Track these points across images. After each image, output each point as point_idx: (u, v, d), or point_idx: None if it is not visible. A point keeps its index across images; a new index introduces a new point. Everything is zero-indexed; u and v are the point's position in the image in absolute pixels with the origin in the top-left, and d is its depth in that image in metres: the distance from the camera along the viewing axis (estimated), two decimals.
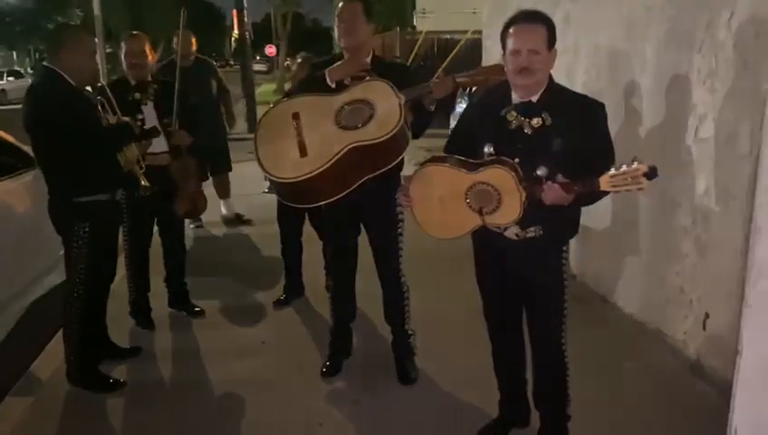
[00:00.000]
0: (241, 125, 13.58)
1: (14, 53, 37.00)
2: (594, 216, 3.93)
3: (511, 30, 2.22)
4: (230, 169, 6.13)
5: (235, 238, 5.76)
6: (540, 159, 2.20)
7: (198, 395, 3.12)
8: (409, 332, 3.21)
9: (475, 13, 14.62)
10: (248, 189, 6.62)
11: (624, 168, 2.01)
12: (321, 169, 2.56)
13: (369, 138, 2.57)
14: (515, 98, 2.29)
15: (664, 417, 2.84)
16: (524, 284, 2.43)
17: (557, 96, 2.28)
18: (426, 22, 16.45)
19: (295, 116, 2.72)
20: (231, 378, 3.26)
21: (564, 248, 2.40)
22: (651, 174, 1.99)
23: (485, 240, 2.41)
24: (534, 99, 2.25)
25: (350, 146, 2.57)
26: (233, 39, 78.48)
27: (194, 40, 5.62)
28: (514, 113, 2.27)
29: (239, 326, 3.89)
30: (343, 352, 3.33)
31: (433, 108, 2.85)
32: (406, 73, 3.02)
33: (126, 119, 3.24)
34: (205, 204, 4.06)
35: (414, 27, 17.57)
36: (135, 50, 3.75)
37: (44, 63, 3.02)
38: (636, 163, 2.00)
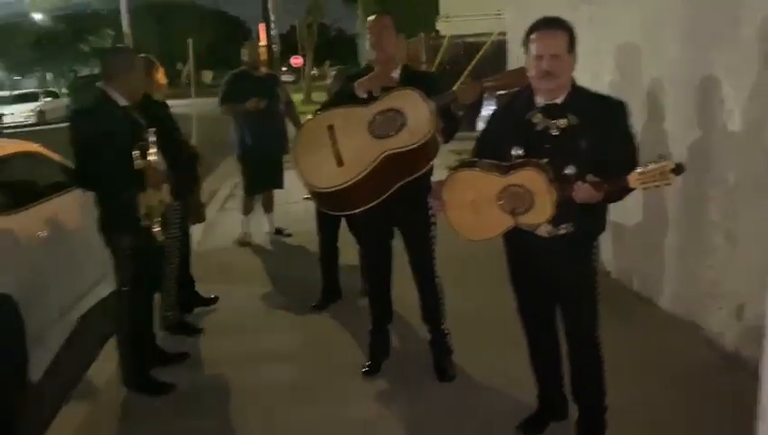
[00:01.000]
0: None
1: (49, 75, 38.16)
2: (626, 212, 3.98)
3: (533, 36, 2.33)
4: (281, 187, 5.97)
5: (275, 246, 5.91)
6: (567, 159, 2.30)
7: (242, 398, 3.25)
8: (446, 331, 3.30)
9: (499, 14, 14.66)
10: (284, 198, 6.76)
11: (652, 165, 2.09)
12: (358, 178, 2.69)
13: (402, 145, 2.68)
14: (539, 101, 2.38)
15: (702, 407, 2.87)
16: (557, 280, 2.50)
17: (580, 97, 2.37)
18: (449, 26, 16.52)
19: (330, 128, 2.86)
20: (273, 380, 3.39)
21: (594, 244, 2.47)
22: (678, 170, 2.07)
23: (517, 240, 2.48)
24: (559, 101, 2.35)
25: (385, 154, 2.69)
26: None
27: (262, 51, 5.86)
28: (540, 116, 2.35)
29: (279, 330, 4.03)
30: (383, 352, 3.43)
31: (461, 113, 2.96)
32: (434, 82, 3.13)
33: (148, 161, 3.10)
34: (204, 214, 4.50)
35: (438, 32, 17.64)
36: (156, 72, 3.97)
37: (98, 85, 3.19)
38: (663, 160, 2.08)
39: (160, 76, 4.02)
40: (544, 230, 2.39)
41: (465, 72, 9.20)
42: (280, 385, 3.33)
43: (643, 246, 4.06)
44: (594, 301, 2.49)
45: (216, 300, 4.43)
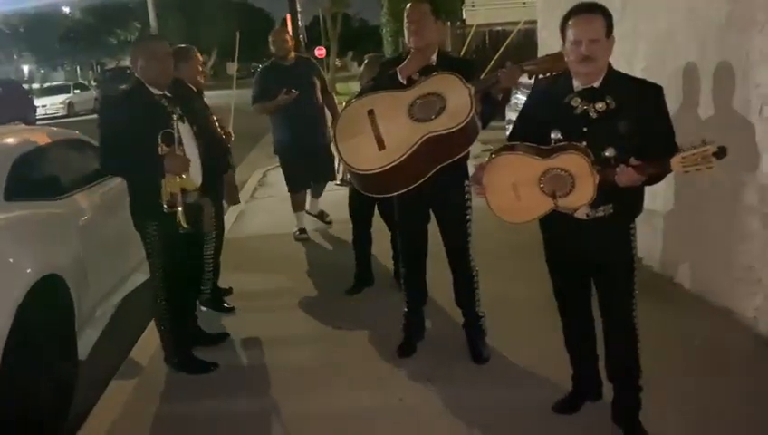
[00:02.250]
0: None
1: (78, 67, 38.75)
2: (659, 198, 4.00)
3: (570, 21, 2.36)
4: (330, 178, 5.53)
5: (309, 234, 5.99)
6: (607, 141, 2.33)
7: (281, 377, 3.35)
8: (480, 313, 3.36)
9: (524, 4, 14.56)
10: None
11: (694, 149, 2.12)
12: (400, 160, 2.76)
13: (442, 128, 2.74)
14: (577, 85, 2.41)
15: (735, 391, 2.90)
16: (594, 261, 2.53)
17: (617, 81, 2.41)
18: (475, 15, 16.44)
19: (370, 112, 2.92)
20: (310, 360, 3.50)
21: (632, 225, 2.51)
22: (721, 153, 2.10)
23: (554, 223, 2.51)
24: (597, 84, 2.38)
25: (426, 137, 2.75)
26: None
27: (289, 38, 5.53)
28: (578, 99, 2.39)
29: (315, 314, 4.12)
30: (417, 334, 3.50)
31: (500, 97, 3.00)
32: (471, 67, 3.17)
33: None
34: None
35: (464, 21, 17.57)
36: (195, 60, 4.06)
37: (135, 74, 3.29)
38: (705, 144, 2.11)
39: (198, 65, 4.11)
40: (583, 212, 2.42)
41: (492, 63, 9.18)
42: (315, 367, 3.42)
43: (676, 232, 4.07)
44: (632, 282, 2.52)
45: (230, 291, 4.45)
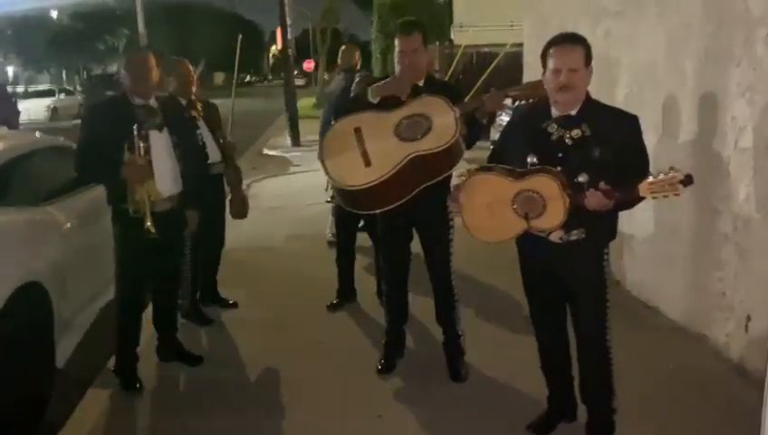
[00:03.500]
0: (285, 140, 14.03)
1: (64, 72, 38.49)
2: (637, 224, 4.08)
3: (551, 50, 2.45)
4: None
5: (293, 248, 6.01)
6: (580, 167, 2.40)
7: (260, 392, 3.37)
8: (460, 332, 3.40)
9: (512, 26, 14.78)
10: (299, 201, 6.88)
11: (662, 175, 2.20)
12: (386, 177, 2.82)
13: (428, 148, 2.81)
14: (555, 112, 2.49)
15: (707, 416, 2.96)
16: (568, 285, 2.59)
17: (594, 110, 2.49)
18: (463, 36, 16.64)
19: (357, 130, 2.97)
20: (291, 375, 3.50)
21: (605, 250, 2.57)
22: (687, 181, 2.18)
23: (530, 246, 2.59)
24: (573, 112, 2.46)
25: (411, 156, 2.81)
26: (270, 55, 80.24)
27: (357, 54, 5.56)
28: (555, 126, 2.46)
29: (297, 328, 4.13)
30: (397, 351, 3.53)
31: (485, 121, 3.07)
32: (455, 92, 3.23)
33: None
34: (247, 209, 4.51)
35: (452, 41, 17.78)
36: (184, 71, 4.08)
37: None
38: (672, 171, 2.19)
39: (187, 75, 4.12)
40: (556, 236, 2.48)
41: (478, 83, 9.32)
42: (295, 382, 3.43)
43: (653, 258, 4.15)
44: (605, 305, 2.58)
45: (235, 305, 4.49)
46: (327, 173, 3.00)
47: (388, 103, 3.04)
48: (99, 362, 3.65)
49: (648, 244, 4.18)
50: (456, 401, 3.15)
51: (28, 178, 3.80)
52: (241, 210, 4.46)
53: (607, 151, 2.37)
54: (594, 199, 2.31)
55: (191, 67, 4.18)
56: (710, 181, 3.40)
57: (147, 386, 3.42)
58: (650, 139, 3.98)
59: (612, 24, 4.50)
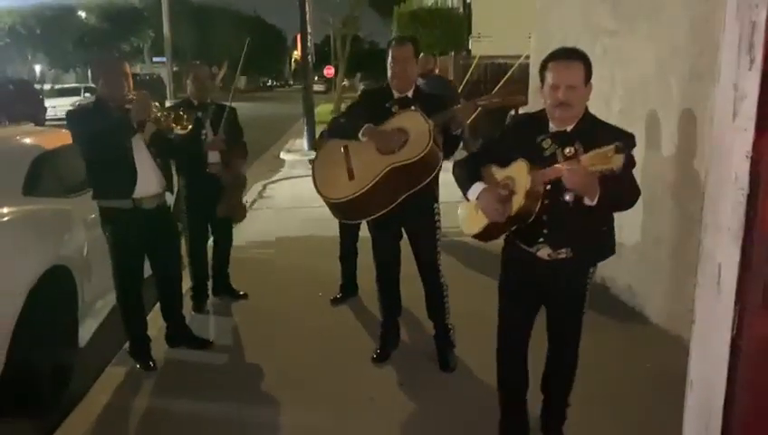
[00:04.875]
0: (302, 144, 14.35)
1: (90, 71, 39.30)
2: (625, 232, 4.30)
3: (550, 65, 2.39)
4: None
5: (299, 245, 6.30)
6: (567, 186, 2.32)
7: (265, 374, 3.64)
8: (449, 326, 3.64)
9: (529, 38, 14.99)
10: (307, 202, 7.14)
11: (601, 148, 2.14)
12: (366, 189, 3.11)
13: (403, 159, 3.09)
14: (552, 127, 2.45)
15: (677, 412, 3.16)
16: (547, 297, 2.63)
17: (590, 126, 2.43)
18: (481, 46, 16.91)
19: (345, 148, 3.30)
20: (296, 360, 3.78)
21: (591, 270, 2.60)
22: (621, 148, 2.08)
23: (516, 255, 2.59)
24: (569, 128, 2.41)
25: (389, 167, 3.09)
26: (293, 60, 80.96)
27: (433, 61, 6.05)
28: (549, 141, 2.42)
29: (302, 319, 4.41)
30: (392, 342, 3.78)
31: (459, 132, 3.30)
32: (440, 100, 3.52)
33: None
34: (243, 214, 4.67)
35: (469, 51, 18.03)
36: (201, 76, 4.38)
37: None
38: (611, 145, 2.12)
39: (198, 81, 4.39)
40: (545, 253, 2.49)
41: (492, 94, 9.51)
42: (297, 367, 3.70)
43: (639, 264, 4.37)
44: (580, 319, 2.64)
45: (245, 296, 4.77)
46: (315, 186, 3.28)
47: (380, 114, 3.28)
48: (118, 342, 3.95)
49: (634, 251, 4.40)
50: (443, 389, 3.40)
51: (56, 172, 4.11)
52: (228, 210, 4.45)
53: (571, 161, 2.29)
54: (577, 175, 2.18)
55: (210, 71, 4.44)
56: (690, 193, 3.63)
57: (160, 366, 3.71)
58: (641, 150, 4.23)
59: (609, 42, 4.73)
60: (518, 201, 2.35)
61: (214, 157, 4.34)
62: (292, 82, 79.65)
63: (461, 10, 21.64)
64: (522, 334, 2.72)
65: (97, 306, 3.99)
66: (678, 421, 1.82)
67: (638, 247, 4.34)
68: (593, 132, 2.37)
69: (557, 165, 2.30)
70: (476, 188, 2.50)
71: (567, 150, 2.36)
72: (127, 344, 3.80)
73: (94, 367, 3.68)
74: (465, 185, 2.57)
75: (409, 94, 3.40)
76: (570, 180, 2.23)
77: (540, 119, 2.50)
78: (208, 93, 4.43)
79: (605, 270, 4.70)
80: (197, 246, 4.55)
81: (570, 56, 2.38)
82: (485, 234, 2.55)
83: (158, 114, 3.50)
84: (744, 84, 1.63)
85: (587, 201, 2.29)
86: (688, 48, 3.75)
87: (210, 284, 4.69)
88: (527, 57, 9.05)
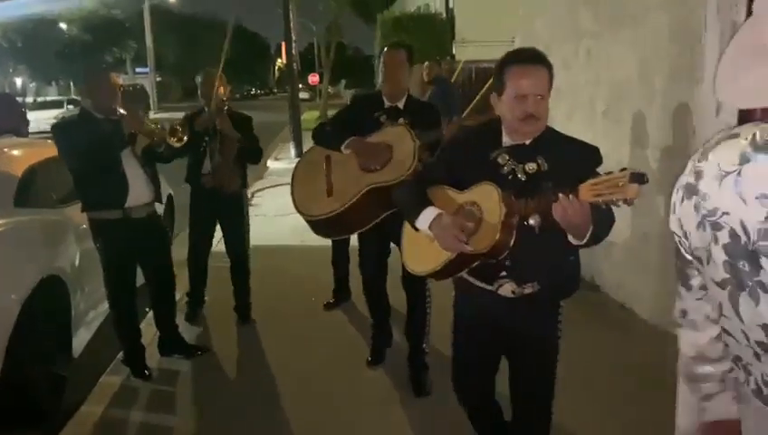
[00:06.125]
0: (289, 151, 14.36)
1: (72, 83, 39.09)
2: (614, 231, 4.35)
3: (513, 70, 1.99)
4: None
5: (291, 251, 6.30)
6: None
7: (259, 378, 3.66)
8: (426, 349, 3.48)
9: (513, 42, 15.13)
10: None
11: (608, 175, 1.70)
12: (342, 209, 2.98)
13: (383, 180, 2.94)
14: (507, 141, 2.08)
15: (671, 408, 3.22)
16: (514, 346, 2.23)
17: (551, 139, 2.08)
18: (465, 51, 16.99)
19: (328, 158, 3.18)
20: (289, 366, 3.78)
21: (560, 308, 2.23)
22: (636, 179, 1.62)
23: (472, 297, 2.21)
24: (527, 141, 2.06)
25: (368, 188, 2.96)
26: (276, 68, 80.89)
27: (439, 65, 6.37)
28: (506, 157, 2.05)
29: (296, 325, 4.43)
30: (385, 343, 3.77)
31: None
32: (433, 113, 3.37)
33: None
34: (235, 183, 4.32)
35: (453, 56, 18.14)
36: (212, 81, 4.29)
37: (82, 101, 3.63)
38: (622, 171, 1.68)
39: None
40: (508, 289, 2.10)
41: (475, 100, 9.61)
42: (292, 371, 3.72)
43: (628, 261, 4.44)
44: (554, 370, 2.23)
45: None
46: (294, 204, 3.17)
47: (368, 124, 3.16)
48: (112, 351, 3.95)
49: (624, 248, 4.46)
50: (417, 414, 3.25)
51: (47, 183, 4.10)
52: (216, 178, 4.20)
53: (565, 189, 1.80)
54: (571, 209, 1.74)
55: (215, 78, 4.28)
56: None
57: (155, 374, 3.71)
58: (623, 150, 4.30)
59: (592, 44, 4.81)
60: (490, 235, 1.94)
61: (207, 167, 4.26)
62: (276, 90, 79.59)
63: (444, 15, 21.77)
64: (485, 381, 2.34)
65: (90, 316, 3.98)
66: (670, 417, 1.86)
67: (627, 245, 4.40)
68: (556, 146, 2.07)
69: (542, 194, 1.86)
70: (429, 215, 2.07)
71: (528, 167, 2.02)
72: (121, 354, 3.80)
73: (89, 377, 3.67)
74: (412, 212, 2.13)
75: (401, 105, 3.28)
76: (562, 215, 1.77)
77: (491, 130, 2.13)
78: (216, 101, 4.24)
79: (594, 268, 4.76)
80: (197, 254, 4.52)
81: (538, 60, 2.01)
82: (444, 272, 2.11)
83: (151, 127, 3.51)
84: None
85: (573, 240, 1.90)
86: (670, 48, 3.83)
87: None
88: None
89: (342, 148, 3.11)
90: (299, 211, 3.16)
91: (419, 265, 2.20)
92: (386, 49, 3.36)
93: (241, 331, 4.36)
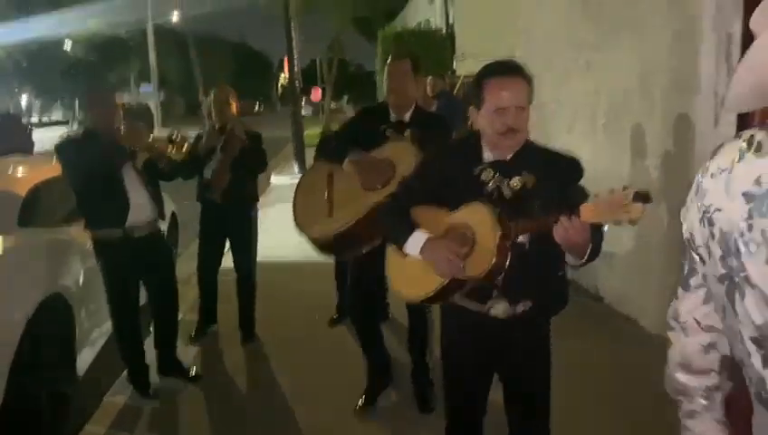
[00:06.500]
0: (292, 167, 14.42)
1: (77, 102, 39.41)
2: (615, 240, 4.35)
3: (492, 82, 1.95)
4: None
5: (295, 267, 6.30)
6: None
7: (266, 391, 3.67)
8: (429, 365, 3.39)
9: (512, 57, 15.19)
10: None
11: (607, 195, 1.70)
12: (344, 229, 2.86)
13: (384, 200, 2.68)
14: (488, 156, 2.04)
15: (675, 417, 3.20)
16: (505, 363, 2.18)
17: (533, 153, 2.04)
18: (464, 65, 17.10)
19: (330, 175, 3.07)
20: (294, 388, 3.75)
21: (549, 326, 2.20)
22: (641, 198, 1.65)
23: (461, 321, 2.14)
24: (509, 156, 2.01)
25: (369, 207, 2.81)
26: (279, 84, 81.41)
27: (444, 79, 6.09)
28: (491, 173, 2.01)
29: (300, 343, 4.42)
30: (383, 383, 3.49)
31: None
32: (441, 123, 3.31)
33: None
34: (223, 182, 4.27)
35: (454, 71, 18.23)
36: (221, 98, 4.32)
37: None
38: (625, 190, 1.68)
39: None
40: (500, 309, 2.04)
41: None
42: (296, 389, 3.71)
43: (632, 272, 4.43)
44: (548, 386, 2.18)
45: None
46: (294, 215, 3.07)
47: (374, 137, 3.05)
48: (116, 370, 3.94)
49: (628, 259, 4.45)
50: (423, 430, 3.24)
51: (50, 202, 4.13)
52: (214, 180, 4.21)
53: (551, 205, 1.84)
54: (572, 230, 1.72)
55: (232, 93, 4.34)
56: (679, 200, 3.68)
57: (159, 393, 3.70)
58: (623, 161, 4.31)
59: (592, 56, 4.83)
60: (486, 259, 1.88)
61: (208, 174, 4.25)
62: (279, 107, 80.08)
63: (444, 30, 21.92)
64: (479, 402, 2.27)
65: (94, 335, 3.98)
66: (676, 430, 1.86)
67: (630, 256, 4.39)
68: (538, 160, 2.02)
69: (540, 215, 1.84)
70: (418, 239, 2.01)
71: (513, 183, 1.97)
72: (125, 372, 3.79)
73: (93, 396, 3.67)
74: (399, 235, 2.07)
75: (406, 117, 3.16)
76: (564, 236, 1.75)
77: (470, 145, 2.08)
78: (228, 117, 4.28)
79: (598, 279, 4.75)
80: (207, 270, 4.51)
81: (516, 71, 1.97)
82: (437, 297, 2.04)
83: (150, 141, 3.52)
84: (724, 91, 1.67)
85: (572, 260, 1.89)
86: (669, 60, 3.85)
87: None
88: None
89: (344, 166, 3.02)
90: (300, 230, 3.09)
91: (410, 291, 2.13)
92: (389, 59, 3.23)
93: (245, 348, 4.35)
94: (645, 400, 3.34)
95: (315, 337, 4.48)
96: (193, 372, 3.90)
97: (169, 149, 3.51)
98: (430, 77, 8.25)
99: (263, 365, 4.06)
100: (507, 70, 1.97)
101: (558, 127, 5.00)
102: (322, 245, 3.07)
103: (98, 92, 3.73)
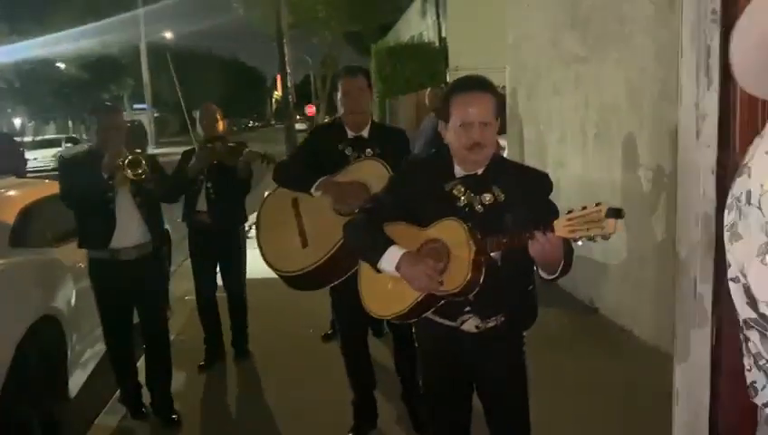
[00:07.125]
0: None
1: (70, 121, 39.40)
2: (610, 252, 4.37)
3: (458, 99, 1.97)
4: None
5: None
6: None
7: (260, 409, 3.65)
8: (420, 382, 3.38)
9: (504, 70, 15.32)
10: None
11: (581, 210, 1.73)
12: (322, 261, 2.70)
13: None
14: (459, 171, 2.05)
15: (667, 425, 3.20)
16: (480, 378, 2.18)
17: (503, 168, 2.08)
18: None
19: (295, 202, 2.87)
20: (284, 400, 3.75)
21: (523, 339, 2.19)
22: (613, 214, 1.66)
23: (432, 337, 2.16)
24: (480, 171, 2.03)
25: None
26: (273, 100, 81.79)
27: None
28: (462, 188, 2.02)
29: (294, 358, 4.40)
30: (369, 418, 3.36)
31: None
32: (401, 138, 3.18)
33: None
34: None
35: (447, 84, 18.35)
36: (209, 115, 4.33)
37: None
38: (597, 206, 1.70)
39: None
40: (472, 325, 2.05)
41: None
42: (290, 405, 3.69)
43: (626, 283, 4.43)
44: (526, 398, 2.18)
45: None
46: (261, 252, 2.86)
47: (333, 158, 2.92)
48: (108, 391, 3.91)
49: (621, 270, 4.47)
50: None
51: (42, 222, 4.12)
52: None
53: (523, 220, 1.86)
54: (548, 245, 1.76)
55: (219, 111, 4.35)
56: (670, 211, 3.71)
57: (150, 414, 3.67)
58: (616, 174, 4.33)
59: (581, 69, 4.87)
60: (462, 274, 1.89)
61: (202, 205, 4.20)
62: (273, 122, 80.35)
63: (437, 44, 22.07)
64: (461, 416, 2.26)
65: (86, 356, 3.95)
66: None
67: (624, 267, 4.40)
68: (508, 175, 2.06)
69: (514, 231, 1.85)
70: (394, 255, 1.98)
71: (484, 198, 1.99)
72: (118, 393, 3.76)
73: (85, 417, 3.64)
74: (372, 252, 2.03)
75: (365, 133, 3.04)
76: (539, 252, 1.79)
77: (441, 160, 2.10)
78: (218, 133, 4.27)
79: (592, 290, 4.75)
80: (204, 297, 4.43)
81: (481, 87, 1.99)
82: (412, 313, 2.04)
83: (120, 161, 3.33)
84: (705, 104, 1.70)
85: (545, 275, 1.95)
86: (656, 72, 3.88)
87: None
88: (503, 88, 9.27)
89: (312, 191, 2.84)
90: (271, 268, 2.85)
91: (382, 308, 2.11)
92: (342, 75, 3.08)
93: (238, 365, 4.33)
94: (640, 410, 3.34)
95: (309, 352, 4.47)
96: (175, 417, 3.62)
97: (126, 172, 3.32)
98: (429, 89, 8.33)
99: (256, 381, 4.04)
100: (474, 86, 1.99)
101: (550, 139, 5.03)
102: (299, 280, 2.83)
103: (107, 112, 3.63)
